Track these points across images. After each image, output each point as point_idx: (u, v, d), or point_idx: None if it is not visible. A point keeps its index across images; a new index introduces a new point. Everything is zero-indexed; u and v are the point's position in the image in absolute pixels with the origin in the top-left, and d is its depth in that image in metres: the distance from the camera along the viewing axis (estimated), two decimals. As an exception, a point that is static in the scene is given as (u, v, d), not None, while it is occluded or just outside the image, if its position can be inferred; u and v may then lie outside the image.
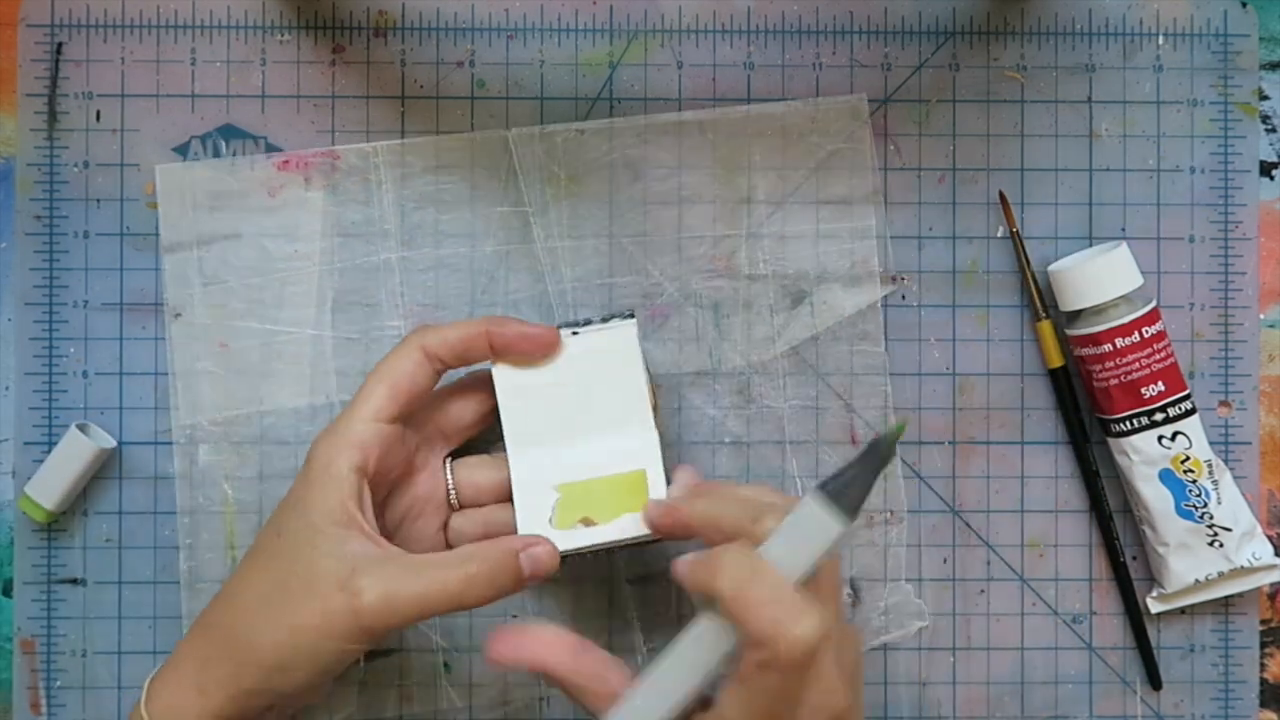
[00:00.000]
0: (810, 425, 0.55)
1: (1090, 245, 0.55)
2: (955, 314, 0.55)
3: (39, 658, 0.53)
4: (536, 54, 0.54)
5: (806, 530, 0.41)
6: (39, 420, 0.54)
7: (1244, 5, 0.55)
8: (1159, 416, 0.52)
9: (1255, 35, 0.55)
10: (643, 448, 0.49)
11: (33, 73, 0.54)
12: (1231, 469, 0.54)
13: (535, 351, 0.49)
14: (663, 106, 0.54)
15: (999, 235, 0.55)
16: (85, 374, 0.54)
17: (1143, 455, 0.52)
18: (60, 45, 0.54)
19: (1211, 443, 0.53)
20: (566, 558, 0.47)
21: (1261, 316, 0.55)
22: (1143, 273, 0.53)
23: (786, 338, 0.54)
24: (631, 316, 0.50)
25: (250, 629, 0.45)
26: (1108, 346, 0.52)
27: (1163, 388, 0.52)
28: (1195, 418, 0.52)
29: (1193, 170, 0.55)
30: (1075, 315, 0.53)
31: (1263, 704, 0.55)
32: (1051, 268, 0.54)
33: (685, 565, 0.44)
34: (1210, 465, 0.52)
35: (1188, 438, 0.52)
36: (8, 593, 0.54)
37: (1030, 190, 0.55)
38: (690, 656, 0.42)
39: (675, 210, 0.54)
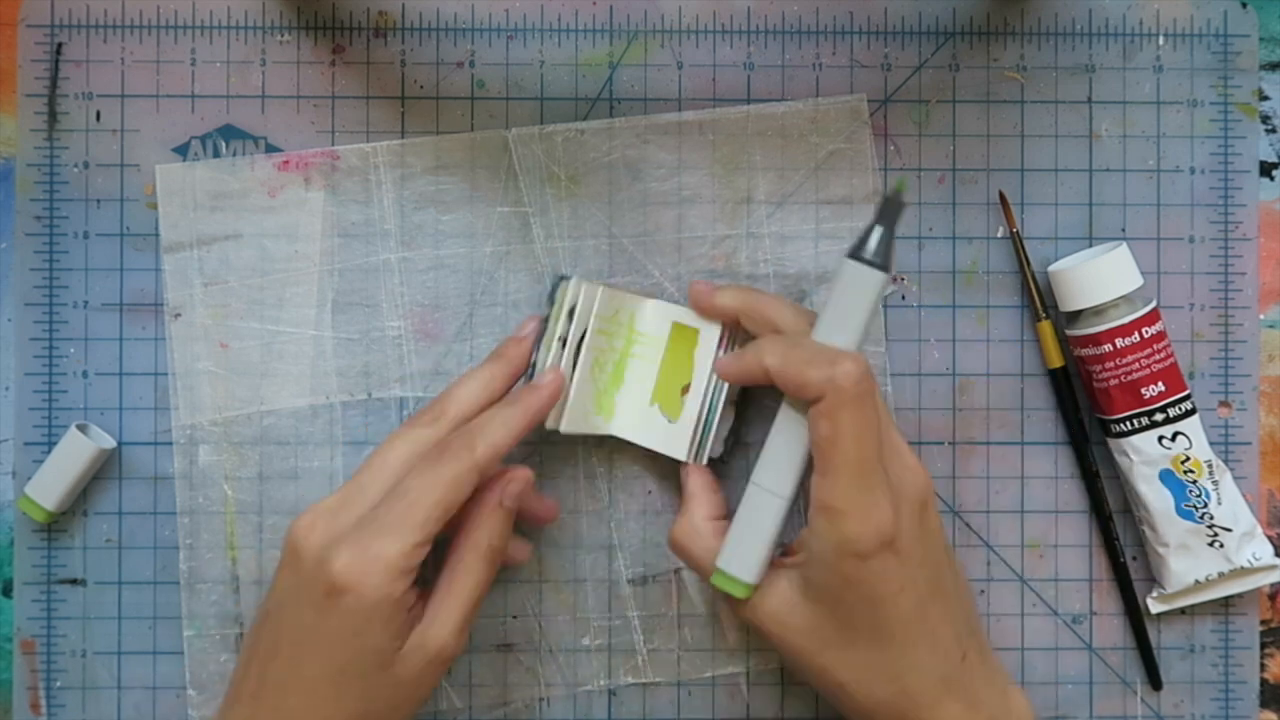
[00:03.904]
0: (810, 425, 0.54)
1: (1090, 245, 0.55)
2: (955, 314, 0.55)
3: (39, 658, 0.53)
4: (536, 54, 0.54)
5: (851, 292, 0.45)
6: (39, 420, 0.54)
7: (1244, 5, 0.55)
8: (1159, 417, 0.52)
9: (1255, 35, 0.55)
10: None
11: (33, 73, 0.54)
12: (1231, 469, 0.54)
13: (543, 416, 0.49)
14: (663, 107, 0.54)
15: (999, 235, 0.55)
16: (85, 374, 0.54)
17: (1143, 456, 0.52)
18: (60, 45, 0.54)
19: (1211, 443, 0.53)
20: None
21: (1261, 316, 0.55)
22: (1143, 273, 0.53)
23: (786, 338, 0.54)
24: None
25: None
26: (1108, 347, 0.52)
27: (1163, 388, 0.52)
28: (1195, 418, 0.52)
29: (1193, 170, 0.55)
30: (1075, 315, 0.53)
31: (1263, 704, 0.55)
32: (1051, 268, 0.54)
33: (730, 360, 0.47)
34: (1210, 465, 0.52)
35: (1188, 438, 0.52)
36: (8, 593, 0.54)
37: (1030, 190, 0.55)
38: (787, 438, 0.46)
39: (675, 210, 0.54)
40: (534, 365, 0.50)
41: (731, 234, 0.54)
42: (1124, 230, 0.55)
